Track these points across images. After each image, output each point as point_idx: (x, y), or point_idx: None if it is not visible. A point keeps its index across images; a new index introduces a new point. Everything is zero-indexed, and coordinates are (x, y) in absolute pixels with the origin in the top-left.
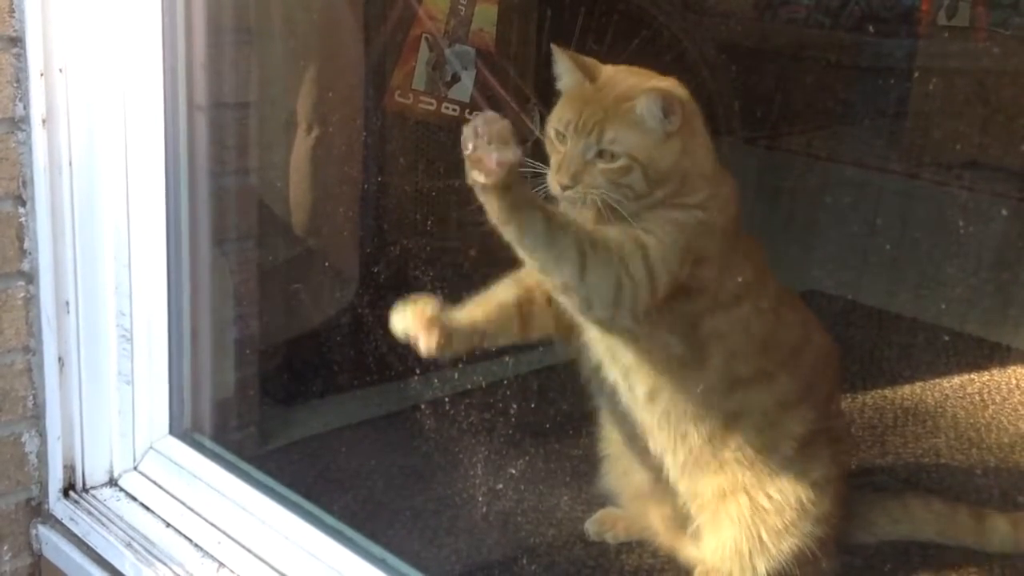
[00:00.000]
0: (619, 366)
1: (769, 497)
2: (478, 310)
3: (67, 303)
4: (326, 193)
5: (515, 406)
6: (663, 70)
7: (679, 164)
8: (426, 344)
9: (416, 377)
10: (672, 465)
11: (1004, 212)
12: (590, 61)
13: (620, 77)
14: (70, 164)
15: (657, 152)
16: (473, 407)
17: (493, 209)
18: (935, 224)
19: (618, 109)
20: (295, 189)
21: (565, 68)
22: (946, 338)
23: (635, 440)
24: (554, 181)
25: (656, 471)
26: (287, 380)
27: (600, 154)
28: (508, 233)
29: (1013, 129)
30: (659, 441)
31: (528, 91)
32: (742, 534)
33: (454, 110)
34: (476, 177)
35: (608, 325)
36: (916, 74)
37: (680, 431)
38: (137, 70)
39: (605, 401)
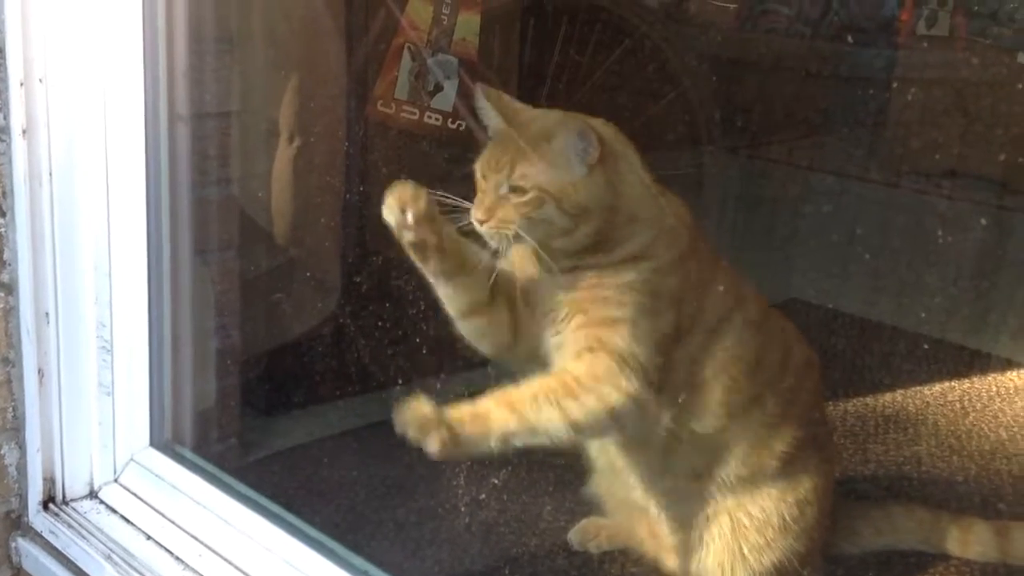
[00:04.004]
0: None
1: (750, 515)
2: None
3: (47, 314)
4: (308, 203)
5: None
6: (644, 79)
7: (600, 199)
8: (414, 211)
9: (398, 387)
10: (655, 501)
11: (983, 221)
12: (512, 105)
13: (542, 116)
14: (50, 175)
15: (572, 186)
16: None
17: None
18: (915, 233)
19: (531, 145)
20: (277, 199)
21: (488, 113)
22: (926, 346)
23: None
24: (473, 216)
25: (637, 506)
26: (269, 391)
27: (513, 190)
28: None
29: (991, 138)
30: (641, 482)
31: None
32: (724, 550)
33: (437, 119)
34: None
35: (621, 431)
36: (895, 84)
37: (663, 474)
38: (118, 80)
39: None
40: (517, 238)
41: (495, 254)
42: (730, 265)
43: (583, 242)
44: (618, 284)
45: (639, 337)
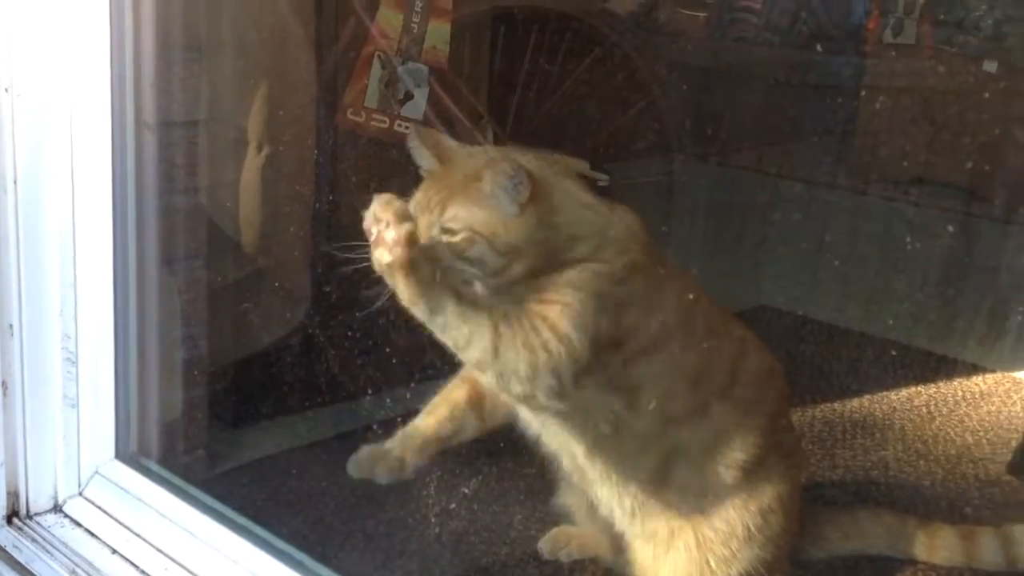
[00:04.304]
0: (555, 438)
1: (714, 528)
2: (431, 419)
3: (11, 326)
4: (276, 212)
5: None
6: (614, 88)
7: (533, 237)
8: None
9: (367, 397)
10: (620, 516)
11: (950, 228)
12: (445, 144)
13: (473, 156)
14: (15, 183)
15: (503, 226)
16: None
17: (401, 290)
18: (883, 239)
19: (462, 186)
20: (245, 208)
21: (420, 154)
22: (894, 352)
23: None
24: None
25: (606, 521)
26: (236, 402)
27: (444, 230)
28: (418, 312)
29: (958, 146)
30: (604, 495)
31: (481, 108)
32: (691, 563)
33: (407, 128)
34: (380, 256)
35: (529, 402)
36: (863, 92)
37: (622, 482)
38: (84, 89)
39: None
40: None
41: None
42: (687, 277)
43: (518, 279)
44: (560, 280)
45: (575, 324)
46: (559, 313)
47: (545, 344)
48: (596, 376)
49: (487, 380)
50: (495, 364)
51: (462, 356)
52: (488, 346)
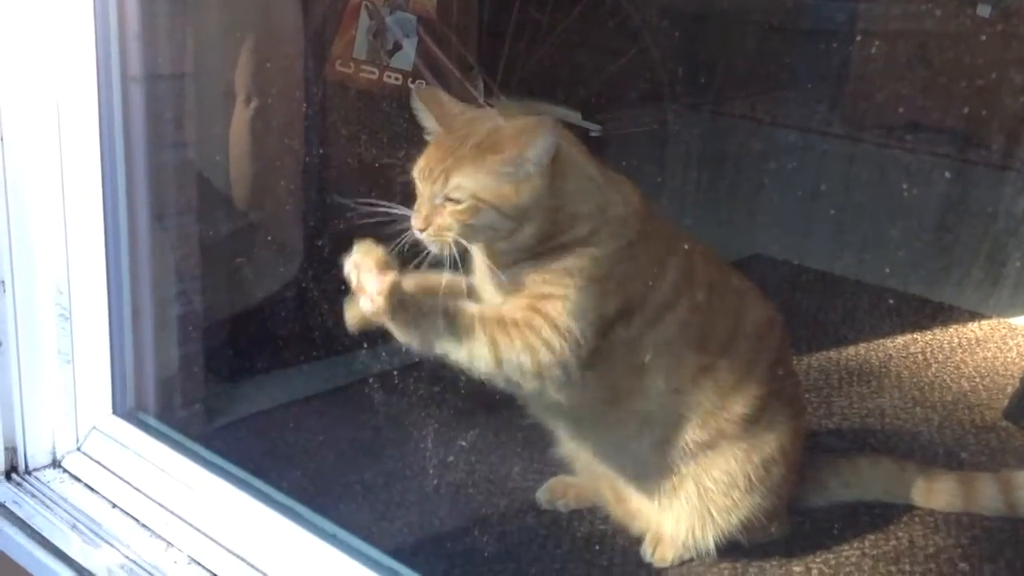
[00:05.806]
0: (556, 418)
1: (715, 480)
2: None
3: (2, 282)
4: (267, 165)
5: (464, 377)
6: (606, 36)
7: (542, 200)
8: (379, 285)
9: (364, 350)
10: (622, 476)
11: (946, 174)
12: (450, 106)
13: (479, 120)
14: (1, 140)
15: (513, 189)
16: (422, 379)
17: (393, 330)
18: (878, 186)
19: (469, 154)
20: (235, 162)
21: (423, 116)
22: (890, 300)
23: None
24: (412, 225)
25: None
26: (232, 356)
27: (448, 199)
28: (414, 346)
29: (954, 91)
30: (605, 459)
31: (471, 58)
32: (692, 514)
33: (396, 79)
34: (363, 305)
35: (541, 396)
36: (858, 37)
37: (625, 448)
38: (69, 42)
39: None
40: (457, 244)
41: (453, 267)
42: (686, 237)
43: (528, 242)
44: (556, 268)
45: (575, 314)
46: (559, 308)
47: (547, 342)
48: (605, 355)
49: (500, 384)
50: (500, 372)
51: (471, 373)
52: (489, 359)
